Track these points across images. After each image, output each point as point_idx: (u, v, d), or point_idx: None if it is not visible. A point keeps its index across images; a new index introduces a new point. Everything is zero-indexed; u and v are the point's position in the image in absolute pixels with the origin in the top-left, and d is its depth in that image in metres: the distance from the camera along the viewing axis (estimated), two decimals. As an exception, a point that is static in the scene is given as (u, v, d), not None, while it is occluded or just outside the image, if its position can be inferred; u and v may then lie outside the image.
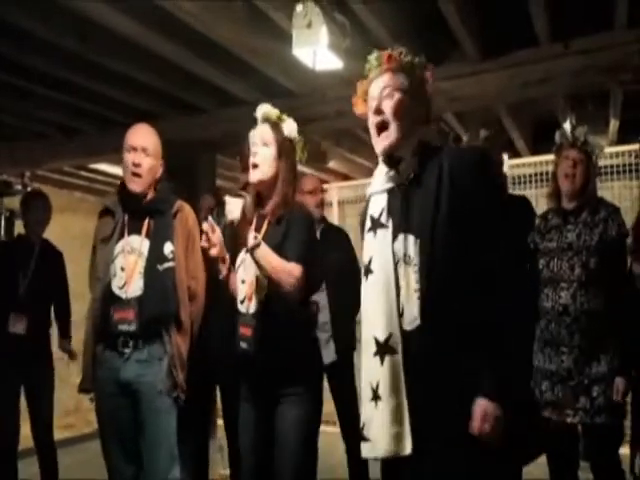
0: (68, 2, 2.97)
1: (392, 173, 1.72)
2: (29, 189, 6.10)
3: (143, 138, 2.54)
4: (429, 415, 1.55)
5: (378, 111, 1.71)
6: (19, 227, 6.06)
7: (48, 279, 3.80)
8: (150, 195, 2.58)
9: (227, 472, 4.05)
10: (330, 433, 3.69)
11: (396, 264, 1.63)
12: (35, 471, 3.78)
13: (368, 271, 1.70)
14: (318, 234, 3.45)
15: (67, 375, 3.92)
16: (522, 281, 1.67)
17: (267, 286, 2.18)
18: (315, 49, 3.02)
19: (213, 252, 2.18)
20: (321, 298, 3.33)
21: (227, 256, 2.27)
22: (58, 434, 3.94)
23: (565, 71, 3.64)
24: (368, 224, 1.76)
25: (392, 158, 1.72)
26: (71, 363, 3.94)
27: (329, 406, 3.13)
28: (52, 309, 3.90)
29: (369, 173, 6.52)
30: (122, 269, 2.44)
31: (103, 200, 2.72)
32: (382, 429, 1.58)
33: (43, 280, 3.76)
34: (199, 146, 4.71)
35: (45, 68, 3.81)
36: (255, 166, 2.26)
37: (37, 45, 3.47)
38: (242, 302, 2.26)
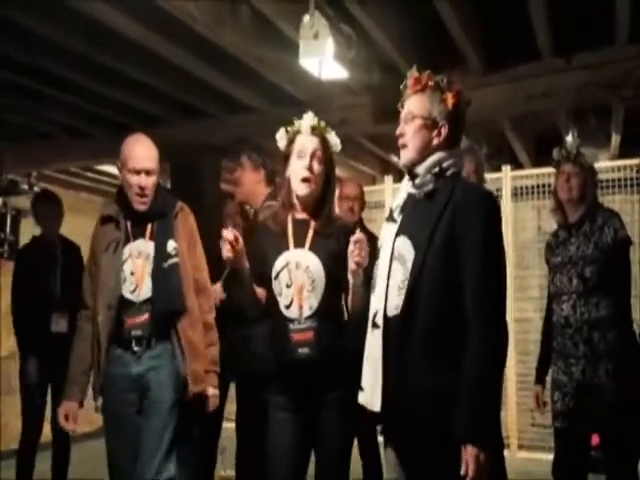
0: (79, 6, 3.03)
1: (410, 183, 1.92)
2: (35, 189, 6.17)
3: (147, 160, 2.52)
4: (395, 386, 1.79)
5: (400, 133, 1.91)
6: (25, 226, 6.15)
7: (74, 276, 3.86)
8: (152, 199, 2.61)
9: (228, 474, 4.07)
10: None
11: (392, 257, 1.86)
12: (44, 466, 3.85)
13: (378, 255, 1.94)
14: None
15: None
16: (502, 325, 1.77)
17: (323, 290, 2.17)
18: (321, 59, 3.08)
19: (235, 261, 2.15)
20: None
21: (246, 263, 2.22)
22: (61, 431, 4.01)
23: (567, 86, 3.69)
24: (387, 213, 1.98)
25: (411, 172, 1.91)
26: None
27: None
28: None
29: (371, 180, 6.60)
30: (132, 273, 2.47)
31: (102, 209, 2.74)
32: (367, 384, 1.87)
33: (71, 277, 3.81)
34: (205, 150, 4.77)
35: (55, 70, 3.88)
36: (307, 180, 2.21)
37: (47, 48, 3.54)
38: (288, 307, 2.20)
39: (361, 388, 1.91)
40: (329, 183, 2.28)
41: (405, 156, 1.89)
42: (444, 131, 1.87)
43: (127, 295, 2.47)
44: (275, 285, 2.23)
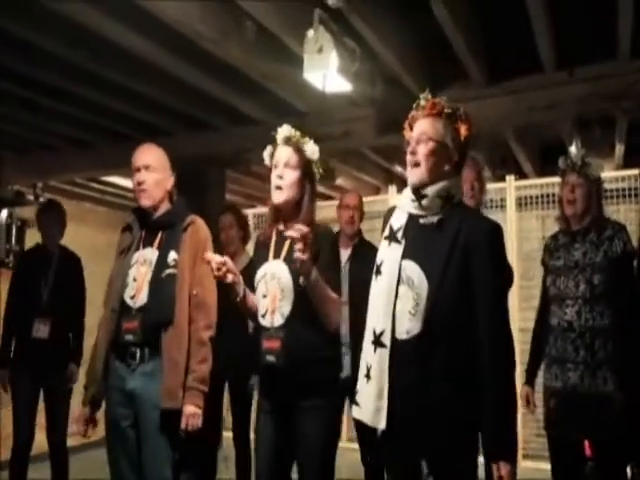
0: (84, 20, 3.07)
1: (416, 204, 1.96)
2: (41, 199, 6.22)
3: (144, 156, 2.60)
4: (404, 408, 1.86)
5: (413, 153, 1.94)
6: (31, 236, 6.18)
7: (69, 285, 3.89)
8: (165, 208, 2.64)
9: None
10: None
11: (399, 279, 1.89)
12: (44, 476, 3.85)
13: (378, 271, 1.98)
14: (350, 249, 3.53)
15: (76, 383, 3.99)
16: (512, 350, 1.90)
17: (293, 299, 2.22)
18: (325, 73, 3.10)
19: (229, 279, 2.23)
20: (343, 311, 3.37)
21: (240, 278, 2.31)
22: (64, 441, 4.01)
23: (569, 98, 3.72)
24: (386, 232, 2.02)
25: (419, 192, 1.95)
26: (79, 369, 4.03)
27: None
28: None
29: (375, 190, 6.62)
30: (134, 280, 2.51)
31: (122, 213, 2.79)
32: (369, 402, 1.90)
33: (64, 286, 3.85)
34: (210, 162, 4.81)
35: (61, 84, 3.92)
36: (279, 188, 2.30)
37: (51, 61, 3.58)
38: (264, 316, 2.28)
39: (355, 402, 1.96)
40: (308, 190, 2.33)
41: (416, 175, 1.94)
42: (454, 158, 1.95)
43: (127, 300, 2.50)
44: (256, 295, 2.33)
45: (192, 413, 2.43)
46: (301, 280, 2.16)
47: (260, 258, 2.37)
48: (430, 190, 1.92)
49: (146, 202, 2.57)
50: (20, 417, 3.71)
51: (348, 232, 3.59)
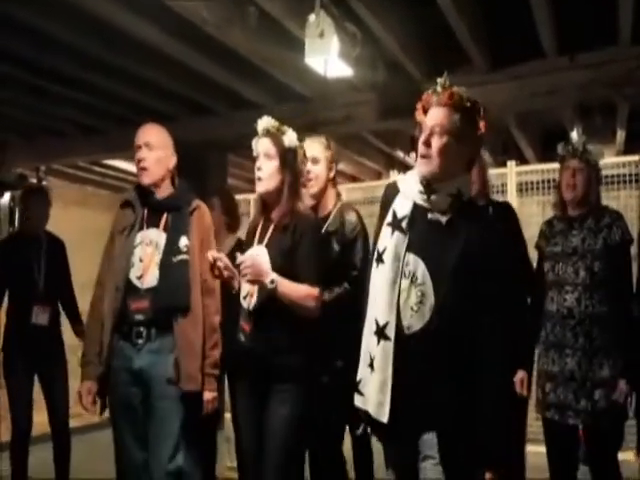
0: (91, 8, 3.08)
1: (424, 197, 1.87)
2: (44, 182, 6.24)
3: (145, 134, 2.61)
4: (405, 396, 1.83)
5: (427, 143, 1.84)
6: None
7: (58, 270, 3.92)
8: (168, 190, 2.65)
9: (234, 464, 4.12)
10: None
11: (402, 272, 1.84)
12: (45, 457, 3.90)
13: (380, 259, 1.90)
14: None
15: (76, 365, 4.03)
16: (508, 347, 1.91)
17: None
18: (326, 57, 3.11)
19: (225, 276, 2.31)
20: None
21: (236, 273, 2.35)
22: (66, 423, 4.06)
23: (571, 84, 3.72)
24: (389, 218, 1.92)
25: (429, 186, 1.87)
26: (80, 352, 4.07)
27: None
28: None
29: (376, 175, 6.62)
30: (140, 260, 2.53)
31: (122, 195, 2.80)
32: (372, 393, 1.87)
33: (55, 271, 3.88)
34: (212, 146, 4.83)
35: (67, 69, 3.94)
36: (259, 179, 2.37)
37: (58, 47, 3.60)
38: (245, 298, 2.37)
39: (359, 392, 1.93)
40: (287, 179, 2.37)
41: (427, 168, 1.84)
42: (468, 155, 1.87)
43: (133, 280, 2.52)
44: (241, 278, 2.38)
45: (211, 399, 2.53)
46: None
47: (248, 244, 2.45)
48: (441, 187, 1.84)
49: (146, 180, 2.58)
50: (17, 402, 3.72)
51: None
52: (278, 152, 2.36)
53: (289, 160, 2.38)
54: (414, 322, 1.82)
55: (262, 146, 2.38)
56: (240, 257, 2.22)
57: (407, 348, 1.82)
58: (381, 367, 1.85)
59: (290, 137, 2.39)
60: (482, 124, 1.86)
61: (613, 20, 3.26)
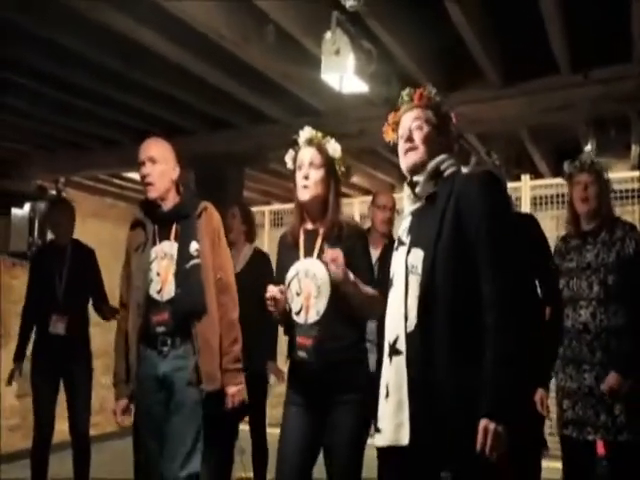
0: (112, 24, 3.16)
1: (412, 196, 1.96)
2: (63, 194, 6.34)
3: (147, 150, 2.69)
4: (425, 410, 1.75)
5: (409, 139, 1.94)
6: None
7: (83, 279, 4.00)
8: (174, 201, 2.72)
9: (248, 475, 4.15)
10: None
11: (407, 275, 1.85)
12: (63, 465, 3.96)
13: (391, 284, 1.93)
14: (381, 248, 3.56)
15: (93, 375, 4.09)
16: (522, 308, 1.76)
17: (329, 297, 2.29)
18: (342, 74, 3.17)
19: (280, 307, 2.32)
20: None
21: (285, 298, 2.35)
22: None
23: (584, 99, 3.75)
24: (396, 244, 1.99)
25: (411, 181, 1.95)
26: (97, 362, 4.14)
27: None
28: (89, 307, 4.10)
29: (390, 188, 6.65)
30: (158, 274, 2.60)
31: (134, 213, 2.87)
32: (388, 420, 1.80)
33: (78, 281, 3.97)
34: (228, 160, 4.89)
35: (87, 84, 4.03)
36: (306, 187, 2.37)
37: (79, 62, 3.68)
38: (298, 313, 2.34)
39: (378, 430, 1.86)
40: (332, 188, 2.41)
41: (414, 157, 1.93)
42: (447, 142, 1.97)
43: (154, 295, 2.58)
44: (288, 293, 2.37)
45: (234, 392, 2.59)
46: (343, 289, 2.24)
47: (289, 257, 2.43)
48: (422, 175, 1.91)
49: (153, 194, 2.66)
50: (40, 409, 3.83)
51: (384, 231, 3.64)
52: (323, 161, 2.39)
53: (334, 169, 2.42)
54: (421, 309, 1.80)
55: (308, 155, 2.40)
56: (329, 251, 2.18)
57: (414, 350, 1.77)
58: (396, 386, 1.80)
59: (334, 146, 2.44)
60: (452, 114, 2.00)
61: (627, 35, 3.29)
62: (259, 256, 3.88)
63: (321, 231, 2.39)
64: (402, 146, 1.96)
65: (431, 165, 1.91)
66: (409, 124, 1.95)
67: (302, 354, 2.31)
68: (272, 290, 2.28)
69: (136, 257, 2.67)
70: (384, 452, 1.89)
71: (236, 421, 3.71)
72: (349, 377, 2.30)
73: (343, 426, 2.29)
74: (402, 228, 1.99)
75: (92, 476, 3.96)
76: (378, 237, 3.60)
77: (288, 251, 2.46)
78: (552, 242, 5.31)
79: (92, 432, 4.14)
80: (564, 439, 2.80)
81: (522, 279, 1.89)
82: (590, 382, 2.68)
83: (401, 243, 1.94)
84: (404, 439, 1.75)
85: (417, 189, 1.92)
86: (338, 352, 2.29)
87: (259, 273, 3.52)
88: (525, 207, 5.49)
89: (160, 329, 2.56)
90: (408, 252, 1.88)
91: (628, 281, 2.69)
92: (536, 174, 5.96)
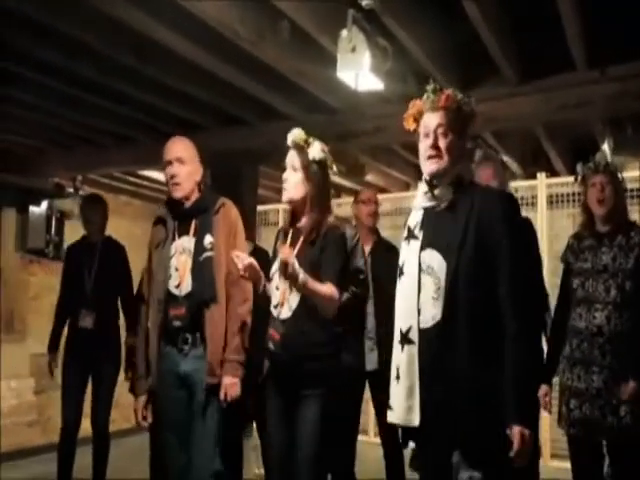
0: (127, 21, 3.19)
1: (429, 195, 2.01)
2: (80, 192, 6.41)
3: (175, 149, 2.72)
4: (435, 396, 1.87)
5: (435, 146, 1.99)
6: (69, 228, 6.37)
7: (112, 275, 4.05)
8: (195, 198, 2.75)
9: (262, 471, 4.17)
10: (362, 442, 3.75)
11: (420, 271, 1.93)
12: (84, 460, 4.00)
13: (401, 273, 2.01)
14: (371, 245, 3.61)
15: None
16: (532, 310, 2.00)
17: (300, 294, 2.36)
18: (358, 72, 3.17)
19: (246, 276, 2.40)
20: (368, 305, 3.44)
21: (261, 274, 2.46)
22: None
23: (600, 97, 3.72)
24: (405, 233, 2.06)
25: (432, 183, 2.01)
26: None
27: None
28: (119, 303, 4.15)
29: (405, 186, 6.66)
30: (176, 269, 2.63)
31: (151, 210, 2.91)
32: (399, 402, 1.92)
33: (107, 276, 4.01)
34: (243, 157, 4.91)
35: (103, 81, 4.06)
36: (284, 189, 2.48)
37: (95, 59, 3.72)
38: (275, 307, 2.45)
39: (390, 407, 1.97)
40: (311, 191, 2.45)
41: (438, 166, 1.98)
42: (466, 146, 2.04)
43: (173, 290, 2.62)
44: (271, 286, 2.48)
45: (229, 383, 2.57)
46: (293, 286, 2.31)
47: (276, 255, 2.52)
48: (444, 180, 1.98)
49: (179, 194, 2.69)
50: (68, 402, 3.89)
51: (370, 224, 3.65)
52: (302, 164, 2.44)
53: (312, 172, 2.44)
54: (436, 311, 1.88)
55: (289, 158, 2.48)
56: (284, 249, 2.27)
57: (430, 340, 1.87)
58: (407, 373, 1.91)
59: (315, 149, 2.45)
60: (472, 117, 2.05)
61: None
62: (258, 252, 3.90)
63: (303, 231, 2.46)
64: (426, 149, 2.01)
65: (452, 175, 1.99)
66: (433, 126, 1.99)
67: (271, 346, 2.43)
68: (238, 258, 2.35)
69: (157, 253, 2.71)
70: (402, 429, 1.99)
71: (246, 417, 3.72)
72: (315, 372, 2.35)
73: (305, 419, 2.35)
74: (413, 220, 2.04)
75: (110, 471, 4.00)
76: (366, 233, 3.62)
77: (278, 247, 2.55)
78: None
79: (110, 428, 4.17)
80: (571, 439, 2.80)
81: (534, 288, 2.10)
82: (598, 384, 2.68)
83: (413, 236, 2.00)
84: (415, 421, 1.88)
85: (437, 192, 1.99)
86: (304, 347, 2.35)
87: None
88: (541, 205, 5.46)
89: (177, 323, 2.59)
90: (421, 249, 1.96)
91: None
92: (552, 172, 5.92)
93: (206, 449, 2.53)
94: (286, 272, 2.22)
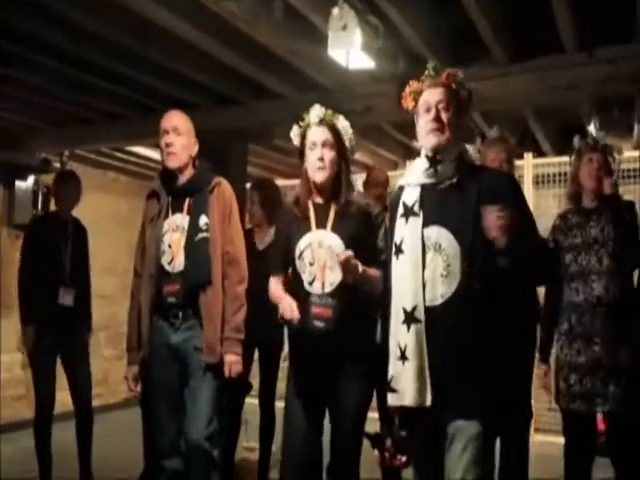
0: (122, 0, 3.16)
1: (431, 171, 2.00)
2: (67, 168, 6.36)
3: (173, 120, 2.75)
4: (446, 375, 1.88)
5: (437, 119, 2.00)
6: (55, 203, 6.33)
7: (82, 254, 4.05)
8: (189, 174, 2.77)
9: (251, 445, 4.23)
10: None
11: (424, 248, 1.91)
12: (65, 435, 4.02)
13: (399, 251, 1.99)
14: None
15: (96, 347, 4.15)
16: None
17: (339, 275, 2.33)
18: (349, 50, 3.17)
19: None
20: None
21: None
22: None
23: (590, 79, 3.75)
24: (401, 210, 2.04)
25: (434, 158, 2.00)
26: (101, 334, 4.20)
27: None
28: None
29: (393, 165, 6.68)
30: (169, 246, 2.66)
31: (145, 183, 2.93)
32: (409, 383, 1.89)
33: (79, 255, 4.01)
34: (233, 135, 4.90)
35: (94, 59, 4.02)
36: (322, 168, 2.40)
37: (88, 37, 3.68)
38: (311, 283, 2.38)
39: (392, 390, 1.95)
40: (344, 167, 2.44)
41: (439, 139, 1.99)
42: (465, 126, 2.07)
43: (165, 266, 2.65)
44: (299, 263, 2.42)
45: (233, 361, 2.63)
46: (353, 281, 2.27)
47: (298, 229, 2.46)
48: (446, 156, 1.99)
49: (174, 163, 2.71)
50: (41, 381, 3.87)
51: (377, 209, 3.67)
52: (336, 140, 2.41)
53: (345, 147, 2.45)
54: (446, 288, 1.89)
55: (320, 135, 2.41)
56: (341, 255, 2.21)
57: (440, 319, 1.88)
58: (415, 353, 1.88)
59: (344, 124, 2.46)
60: (470, 96, 2.08)
61: (632, 15, 3.28)
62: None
63: (333, 207, 2.43)
64: (426, 123, 2.01)
65: (456, 152, 2.00)
66: (435, 101, 2.00)
67: (319, 324, 2.33)
68: (287, 306, 2.30)
69: (150, 228, 2.73)
70: (396, 409, 1.99)
71: (239, 393, 3.76)
72: (363, 347, 2.37)
73: (349, 395, 2.35)
74: (410, 197, 2.03)
75: (95, 447, 4.02)
76: None
77: (295, 222, 2.49)
78: (553, 220, 5.37)
79: (95, 403, 4.20)
80: (567, 413, 2.85)
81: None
82: (599, 354, 2.73)
83: (413, 213, 1.98)
84: (428, 401, 1.86)
85: (440, 167, 1.98)
86: (354, 322, 2.35)
87: None
88: (527, 185, 5.51)
89: (171, 300, 2.63)
90: (424, 226, 1.94)
91: (636, 253, 2.80)
92: (539, 152, 5.97)
93: (201, 414, 2.57)
94: (347, 269, 2.20)
